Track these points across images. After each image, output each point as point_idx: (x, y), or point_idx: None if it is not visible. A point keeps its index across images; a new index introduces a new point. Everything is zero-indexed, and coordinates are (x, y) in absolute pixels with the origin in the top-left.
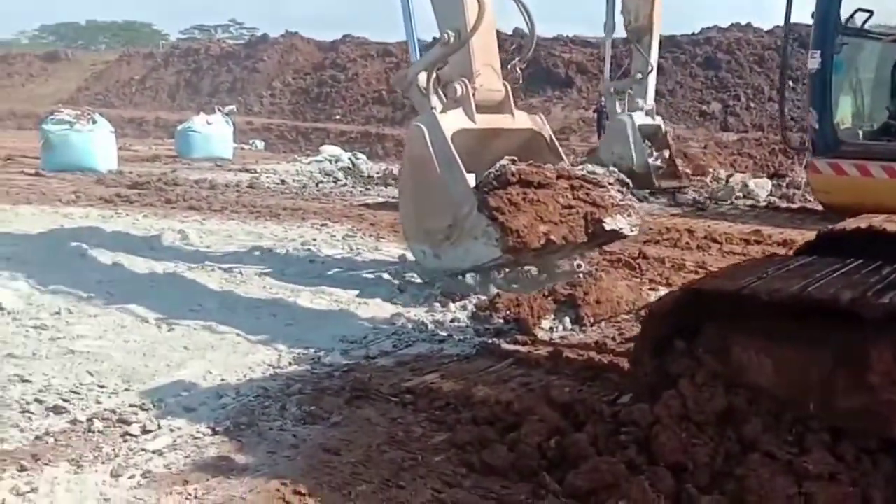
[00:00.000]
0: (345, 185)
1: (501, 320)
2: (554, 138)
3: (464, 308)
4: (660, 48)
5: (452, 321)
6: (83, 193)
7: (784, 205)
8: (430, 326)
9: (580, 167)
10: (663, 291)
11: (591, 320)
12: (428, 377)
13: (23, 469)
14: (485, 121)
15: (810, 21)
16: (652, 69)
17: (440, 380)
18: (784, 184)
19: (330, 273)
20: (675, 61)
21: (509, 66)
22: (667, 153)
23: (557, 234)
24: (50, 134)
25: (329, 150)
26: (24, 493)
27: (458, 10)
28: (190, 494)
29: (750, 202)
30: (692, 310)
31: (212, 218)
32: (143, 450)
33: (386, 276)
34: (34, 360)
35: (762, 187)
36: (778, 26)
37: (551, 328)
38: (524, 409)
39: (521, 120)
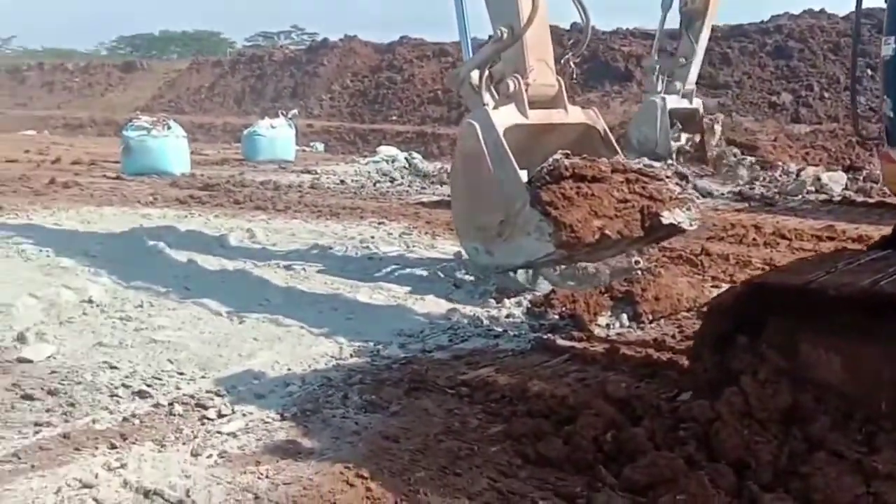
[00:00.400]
0: (401, 184)
1: (557, 316)
2: (608, 132)
3: (518, 304)
4: (726, 38)
5: (507, 317)
6: (160, 195)
7: (860, 199)
8: (485, 322)
9: (636, 161)
10: (723, 287)
11: (650, 317)
12: (483, 371)
13: (113, 447)
14: (537, 116)
15: (885, 5)
16: (696, 55)
17: (496, 374)
18: (861, 177)
19: (387, 269)
20: (742, 51)
21: (562, 61)
22: (698, 137)
23: (612, 228)
24: (129, 139)
25: (386, 150)
26: (114, 468)
27: (512, 5)
28: (262, 474)
29: (823, 197)
30: (755, 305)
31: (276, 217)
32: (219, 432)
33: (441, 273)
34: (121, 349)
35: (836, 181)
36: (853, 12)
37: (608, 325)
38: (580, 403)
39: (574, 114)
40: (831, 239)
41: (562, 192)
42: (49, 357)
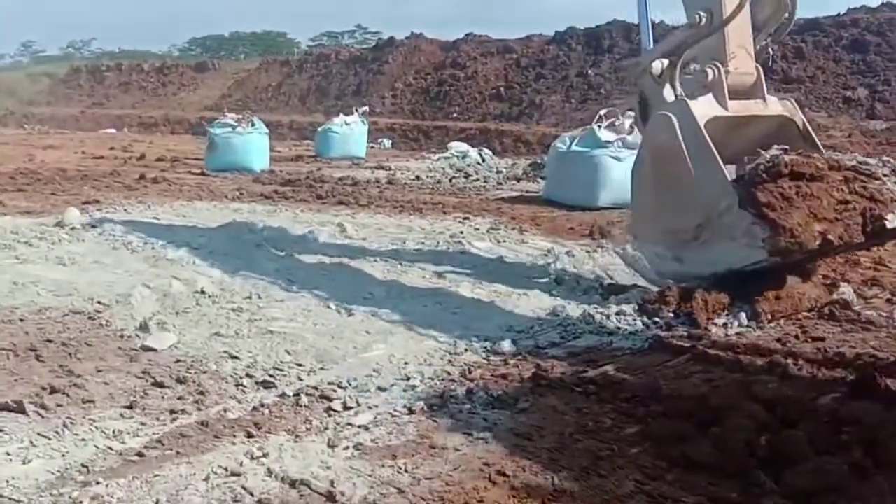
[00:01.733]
0: (476, 179)
1: (671, 314)
2: (808, 125)
3: (627, 301)
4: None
5: (618, 314)
6: (245, 190)
7: None
8: (597, 319)
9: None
10: (844, 288)
11: (769, 317)
12: (605, 368)
13: (250, 436)
14: (737, 107)
15: None
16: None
17: (619, 372)
18: None
19: (483, 264)
20: (816, 45)
21: (759, 46)
22: None
23: (834, 233)
24: (215, 136)
25: (456, 146)
26: (256, 457)
27: None
28: (400, 468)
29: None
30: None
31: (360, 212)
32: (350, 424)
33: (542, 268)
34: (238, 339)
35: None
36: None
37: (725, 324)
38: (723, 405)
39: (773, 106)
40: None
41: (780, 191)
42: (171, 346)
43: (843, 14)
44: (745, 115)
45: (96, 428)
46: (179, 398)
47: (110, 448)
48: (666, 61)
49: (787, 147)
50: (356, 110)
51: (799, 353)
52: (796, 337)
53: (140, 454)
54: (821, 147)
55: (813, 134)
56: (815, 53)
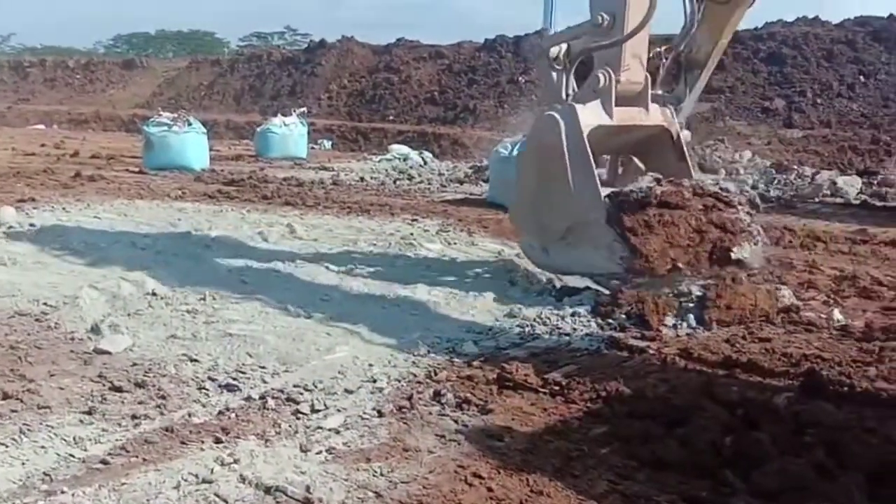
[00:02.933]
0: (420, 182)
1: (624, 316)
2: (681, 136)
3: (580, 303)
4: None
5: (573, 315)
6: (187, 190)
7: (879, 203)
8: (553, 319)
9: (711, 181)
10: (784, 291)
11: (714, 325)
12: (567, 369)
13: (218, 441)
14: (621, 116)
15: (885, 14)
16: (689, 100)
17: (580, 372)
18: (875, 181)
19: (436, 266)
20: (735, 57)
21: (653, 54)
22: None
23: (683, 260)
24: (151, 135)
25: (397, 148)
26: (228, 463)
27: None
28: (376, 471)
29: (839, 200)
30: None
31: (308, 213)
32: (320, 427)
33: (494, 269)
34: (196, 342)
35: (851, 185)
36: (848, 20)
37: (675, 325)
38: (687, 406)
39: (654, 115)
40: (864, 242)
41: (644, 219)
42: (126, 349)
43: (760, 28)
44: (627, 125)
45: (55, 435)
46: (140, 403)
47: (72, 455)
48: (564, 47)
49: (660, 177)
50: (294, 111)
51: (748, 353)
52: (743, 338)
53: (104, 461)
54: (688, 158)
55: (684, 145)
56: (735, 65)
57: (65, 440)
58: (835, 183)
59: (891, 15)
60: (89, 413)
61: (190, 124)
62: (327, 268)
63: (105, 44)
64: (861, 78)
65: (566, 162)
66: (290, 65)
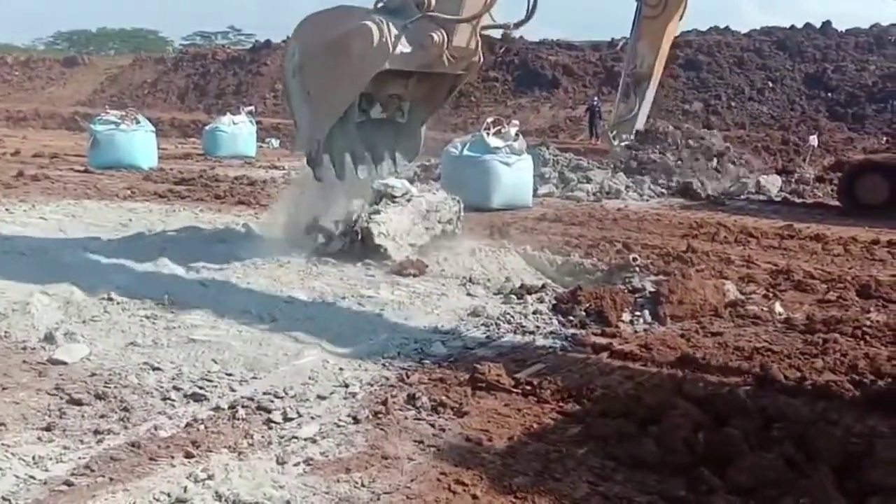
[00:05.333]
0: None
1: (583, 313)
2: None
3: (541, 300)
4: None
5: (535, 313)
6: (137, 189)
7: (798, 200)
8: (516, 318)
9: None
10: (728, 286)
11: (669, 320)
12: (535, 368)
13: (189, 456)
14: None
15: (787, 24)
16: (641, 111)
17: (549, 371)
18: (793, 180)
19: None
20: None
21: (503, 27)
22: None
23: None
24: (97, 133)
25: None
26: (201, 479)
27: None
28: (357, 482)
29: (763, 198)
30: None
31: (263, 213)
32: (295, 437)
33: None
34: (158, 349)
35: (773, 183)
36: (755, 30)
37: (632, 321)
38: (658, 404)
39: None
40: (791, 237)
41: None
42: (83, 358)
43: (677, 36)
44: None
45: (12, 454)
46: (102, 416)
47: (32, 477)
48: None
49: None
50: (242, 110)
51: (703, 347)
52: (696, 332)
53: (68, 483)
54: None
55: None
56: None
57: (23, 460)
58: (758, 181)
59: (792, 26)
60: (48, 429)
61: (138, 122)
62: (287, 268)
63: (45, 41)
64: (769, 83)
65: (349, 73)
66: (235, 64)
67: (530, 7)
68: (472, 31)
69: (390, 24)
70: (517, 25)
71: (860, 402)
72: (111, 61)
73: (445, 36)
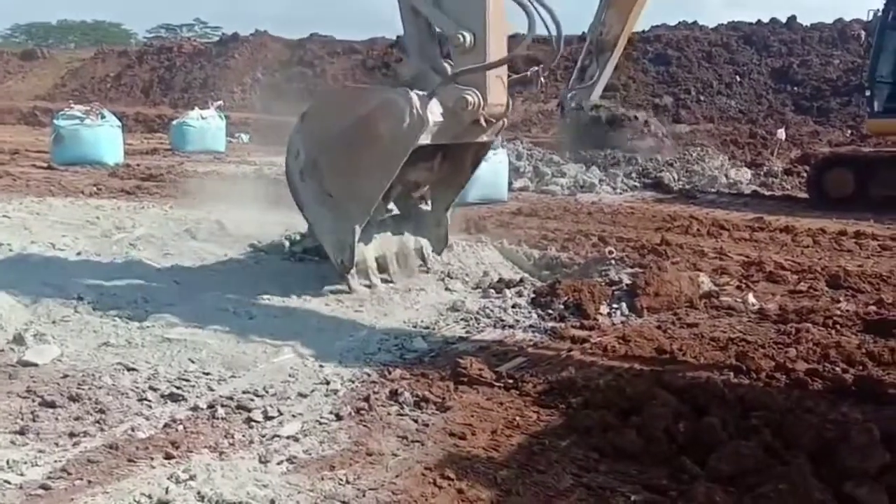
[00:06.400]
0: None
1: (562, 306)
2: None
3: (519, 294)
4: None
5: (514, 307)
6: (103, 186)
7: (767, 193)
8: (496, 312)
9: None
10: (703, 278)
11: (645, 312)
12: (516, 362)
13: (169, 457)
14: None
15: (755, 19)
16: (601, 78)
17: (530, 365)
18: (762, 173)
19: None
20: (627, 57)
21: (530, 73)
22: None
23: None
24: (61, 129)
25: None
26: (183, 480)
27: (479, 8)
28: (341, 479)
29: (733, 191)
30: None
31: (234, 209)
32: (277, 436)
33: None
34: (132, 349)
35: (742, 176)
36: (722, 24)
37: (609, 313)
38: (638, 394)
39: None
40: (762, 229)
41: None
42: (54, 360)
43: (647, 31)
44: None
45: None
46: (77, 418)
47: (7, 482)
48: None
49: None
50: (212, 104)
51: (680, 338)
52: (673, 323)
53: (45, 486)
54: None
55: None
56: (627, 64)
57: None
58: (728, 175)
59: (759, 21)
60: (21, 433)
61: (103, 117)
62: (262, 264)
63: (2, 33)
64: (737, 77)
65: (384, 150)
66: (201, 57)
67: (556, 43)
68: (503, 84)
69: (415, 93)
70: (545, 68)
71: (833, 390)
72: (72, 54)
73: (479, 96)
